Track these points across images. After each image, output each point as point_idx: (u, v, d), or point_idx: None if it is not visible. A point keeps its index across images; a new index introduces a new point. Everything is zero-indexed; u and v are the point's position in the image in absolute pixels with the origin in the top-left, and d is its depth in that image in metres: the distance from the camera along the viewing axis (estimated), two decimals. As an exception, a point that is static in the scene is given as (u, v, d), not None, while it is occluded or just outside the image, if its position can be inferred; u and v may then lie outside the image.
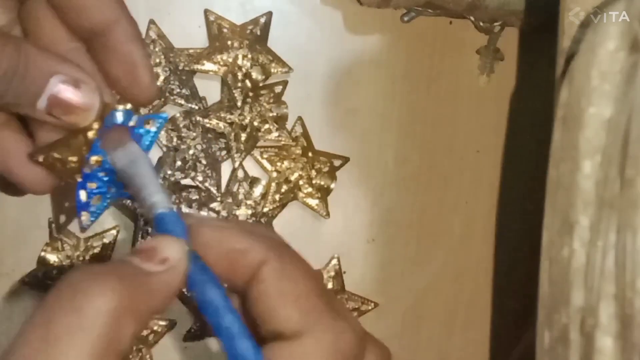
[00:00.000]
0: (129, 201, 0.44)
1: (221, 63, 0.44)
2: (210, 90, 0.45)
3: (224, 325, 0.26)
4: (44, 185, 0.34)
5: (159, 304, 0.26)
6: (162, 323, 0.45)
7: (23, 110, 0.31)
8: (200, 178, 0.45)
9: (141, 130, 0.32)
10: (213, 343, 0.46)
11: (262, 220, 0.46)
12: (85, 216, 0.33)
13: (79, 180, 0.32)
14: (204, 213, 0.45)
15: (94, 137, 0.31)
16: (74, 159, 0.31)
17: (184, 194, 0.44)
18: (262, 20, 0.45)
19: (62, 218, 0.41)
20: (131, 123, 0.32)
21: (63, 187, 0.34)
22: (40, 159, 0.32)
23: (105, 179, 0.32)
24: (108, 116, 0.31)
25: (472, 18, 0.47)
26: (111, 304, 0.23)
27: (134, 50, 0.32)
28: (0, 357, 0.23)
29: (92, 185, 0.32)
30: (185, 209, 0.45)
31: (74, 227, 0.44)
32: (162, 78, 0.44)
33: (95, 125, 0.31)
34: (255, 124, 0.45)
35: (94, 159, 0.31)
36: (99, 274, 0.24)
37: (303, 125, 0.46)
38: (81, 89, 0.30)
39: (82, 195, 0.33)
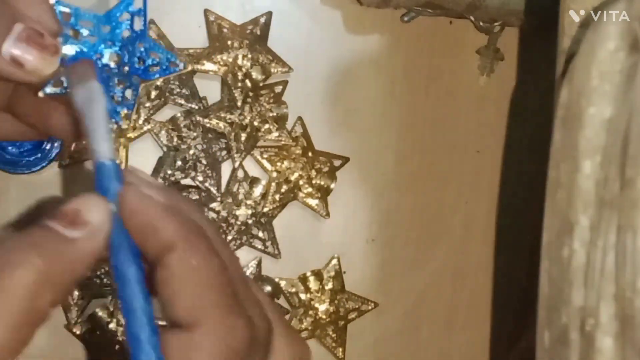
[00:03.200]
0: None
1: (221, 63, 0.44)
2: (210, 90, 0.45)
3: (131, 306, 0.26)
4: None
5: (78, 270, 0.25)
6: (162, 323, 0.45)
7: None
8: (200, 178, 0.45)
9: (132, 9, 0.32)
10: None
11: (262, 220, 0.46)
12: (124, 115, 0.32)
13: (126, 70, 0.32)
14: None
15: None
16: None
17: (184, 193, 0.44)
18: (262, 20, 0.45)
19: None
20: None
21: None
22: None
23: (125, 74, 0.32)
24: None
25: (472, 18, 0.47)
26: (29, 278, 0.24)
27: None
28: None
29: (119, 85, 0.32)
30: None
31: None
32: (162, 78, 0.44)
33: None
34: (255, 124, 0.45)
35: (111, 58, 0.31)
36: (16, 248, 0.24)
37: (303, 125, 0.46)
38: (44, 35, 0.30)
39: (112, 99, 0.32)
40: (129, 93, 0.32)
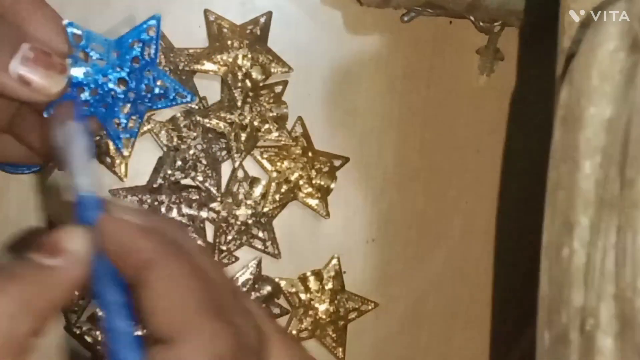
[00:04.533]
0: (129, 201, 0.44)
1: (221, 63, 0.44)
2: (210, 90, 0.45)
3: (113, 329, 0.26)
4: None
5: (59, 297, 0.26)
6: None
7: None
8: (200, 178, 0.45)
9: (143, 37, 0.32)
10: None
11: (262, 220, 0.46)
12: (126, 142, 0.33)
13: (104, 110, 0.32)
14: (204, 213, 0.45)
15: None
16: None
17: (184, 194, 0.44)
18: (262, 20, 0.45)
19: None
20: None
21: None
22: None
23: (131, 99, 0.32)
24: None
25: (472, 18, 0.47)
26: (6, 307, 0.24)
27: (47, 11, 0.31)
28: None
29: (124, 110, 0.32)
30: (185, 209, 0.45)
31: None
32: (162, 78, 0.44)
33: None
34: (255, 124, 0.45)
35: (118, 83, 0.31)
36: None
37: (303, 125, 0.46)
38: (52, 55, 0.30)
39: (115, 124, 0.32)
40: (133, 120, 0.32)
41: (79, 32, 0.31)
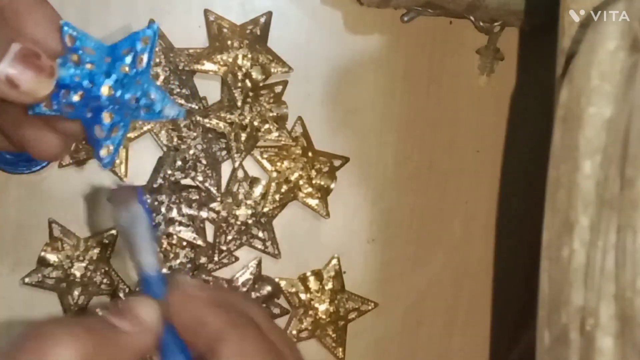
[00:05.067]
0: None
1: (221, 63, 0.44)
2: (210, 90, 0.45)
3: None
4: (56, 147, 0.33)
5: None
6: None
7: None
8: (200, 178, 0.45)
9: (137, 46, 0.32)
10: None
11: (262, 220, 0.46)
12: (105, 150, 0.32)
13: (89, 115, 0.31)
14: (204, 213, 0.45)
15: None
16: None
17: (184, 193, 0.44)
18: (262, 20, 0.45)
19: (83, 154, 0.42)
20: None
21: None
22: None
23: (117, 107, 0.32)
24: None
25: (472, 18, 0.47)
26: (74, 354, 0.24)
27: (47, 10, 0.31)
28: None
29: (107, 118, 0.32)
30: (185, 209, 0.45)
31: (74, 227, 0.44)
32: (162, 78, 0.44)
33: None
34: (255, 124, 0.45)
35: (104, 89, 0.31)
36: (67, 324, 0.25)
37: (303, 125, 0.46)
38: (41, 57, 0.30)
39: (98, 130, 0.32)
40: (116, 129, 0.32)
41: (74, 33, 0.31)
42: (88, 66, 0.31)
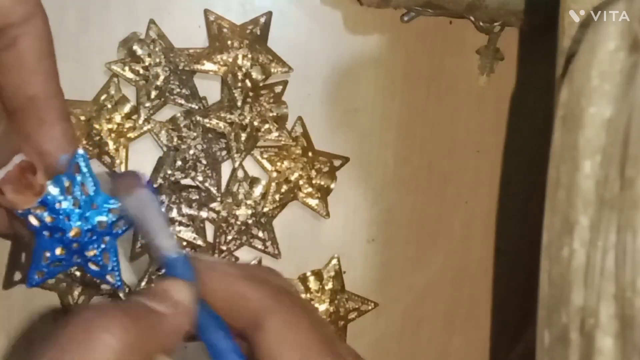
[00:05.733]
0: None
1: (221, 63, 0.44)
2: (210, 90, 0.45)
3: None
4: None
5: (168, 344, 0.27)
6: None
7: None
8: (200, 178, 0.45)
9: (122, 211, 0.32)
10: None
11: (262, 220, 0.46)
12: (39, 274, 0.33)
13: (47, 238, 0.32)
14: (204, 213, 0.45)
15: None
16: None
17: (184, 194, 0.44)
18: (262, 20, 0.45)
19: (17, 275, 0.42)
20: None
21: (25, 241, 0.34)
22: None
23: (72, 249, 0.32)
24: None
25: (472, 18, 0.47)
26: (120, 341, 0.24)
27: (69, 129, 0.33)
28: None
29: (59, 252, 0.33)
30: (185, 209, 0.45)
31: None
32: (162, 78, 0.44)
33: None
34: (255, 124, 0.45)
35: (74, 230, 0.32)
36: (110, 311, 0.25)
37: (303, 125, 0.46)
38: (38, 173, 0.30)
39: (43, 255, 0.33)
40: (58, 264, 0.33)
41: (83, 168, 0.31)
42: (74, 201, 0.31)
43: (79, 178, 0.31)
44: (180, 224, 0.44)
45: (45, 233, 0.32)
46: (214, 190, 0.45)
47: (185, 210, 0.44)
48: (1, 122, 0.30)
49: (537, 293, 0.34)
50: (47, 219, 0.31)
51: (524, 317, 0.48)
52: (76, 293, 0.44)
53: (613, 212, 0.30)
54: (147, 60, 0.44)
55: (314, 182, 0.46)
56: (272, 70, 0.45)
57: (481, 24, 0.48)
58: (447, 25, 0.48)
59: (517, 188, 0.50)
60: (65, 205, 0.31)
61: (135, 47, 0.43)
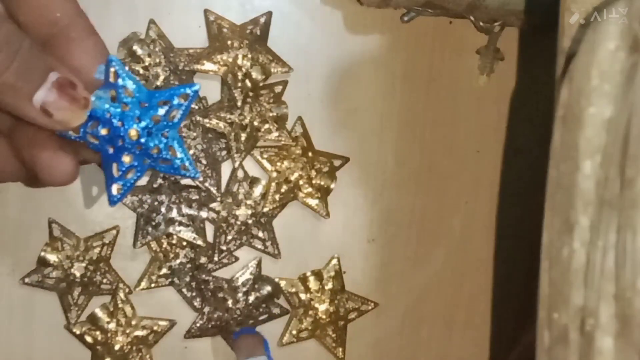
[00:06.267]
0: (129, 201, 0.44)
1: (221, 63, 0.44)
2: (210, 90, 0.45)
3: None
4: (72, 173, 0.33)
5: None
6: (162, 323, 0.45)
7: (16, 104, 0.30)
8: (200, 178, 0.45)
9: (174, 101, 0.32)
10: (213, 343, 0.46)
11: (262, 220, 0.46)
12: (116, 188, 0.33)
13: (111, 151, 0.32)
14: (204, 213, 0.45)
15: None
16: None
17: (184, 193, 0.45)
18: (262, 20, 0.45)
19: (95, 190, 0.42)
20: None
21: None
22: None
23: (137, 152, 0.32)
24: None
25: (472, 18, 0.47)
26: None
27: (98, 41, 0.33)
28: None
29: (127, 159, 0.32)
30: (185, 209, 0.45)
31: (74, 227, 0.44)
32: (162, 78, 0.44)
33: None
34: (255, 124, 0.45)
35: (131, 132, 0.31)
36: None
37: (303, 125, 0.46)
38: (78, 87, 0.30)
39: (114, 168, 0.32)
40: (131, 172, 0.32)
41: (119, 70, 0.31)
42: (123, 106, 0.31)
43: (120, 82, 0.31)
44: (180, 224, 0.45)
45: (108, 147, 0.32)
46: (214, 190, 0.45)
47: (185, 210, 0.45)
48: (25, 38, 0.30)
49: (537, 293, 0.34)
50: (103, 131, 0.31)
51: (523, 317, 0.48)
52: (76, 293, 0.44)
53: (613, 212, 0.30)
54: (147, 60, 0.44)
55: (314, 182, 0.46)
56: (272, 70, 0.45)
57: (481, 24, 0.48)
58: (447, 25, 0.48)
59: (517, 188, 0.50)
60: (115, 112, 0.31)
61: (135, 47, 0.43)
